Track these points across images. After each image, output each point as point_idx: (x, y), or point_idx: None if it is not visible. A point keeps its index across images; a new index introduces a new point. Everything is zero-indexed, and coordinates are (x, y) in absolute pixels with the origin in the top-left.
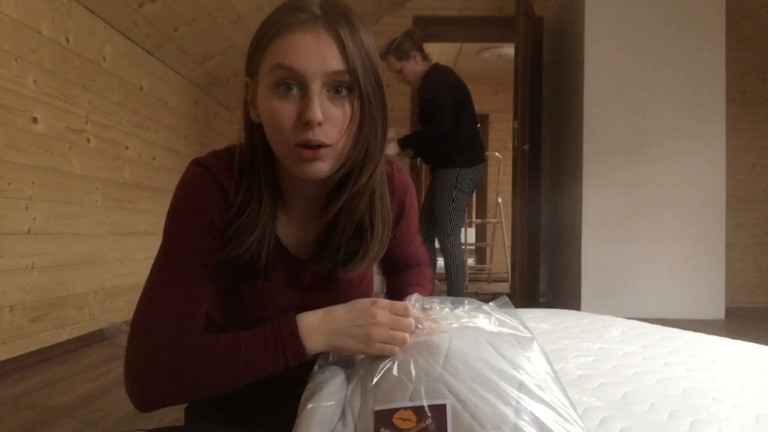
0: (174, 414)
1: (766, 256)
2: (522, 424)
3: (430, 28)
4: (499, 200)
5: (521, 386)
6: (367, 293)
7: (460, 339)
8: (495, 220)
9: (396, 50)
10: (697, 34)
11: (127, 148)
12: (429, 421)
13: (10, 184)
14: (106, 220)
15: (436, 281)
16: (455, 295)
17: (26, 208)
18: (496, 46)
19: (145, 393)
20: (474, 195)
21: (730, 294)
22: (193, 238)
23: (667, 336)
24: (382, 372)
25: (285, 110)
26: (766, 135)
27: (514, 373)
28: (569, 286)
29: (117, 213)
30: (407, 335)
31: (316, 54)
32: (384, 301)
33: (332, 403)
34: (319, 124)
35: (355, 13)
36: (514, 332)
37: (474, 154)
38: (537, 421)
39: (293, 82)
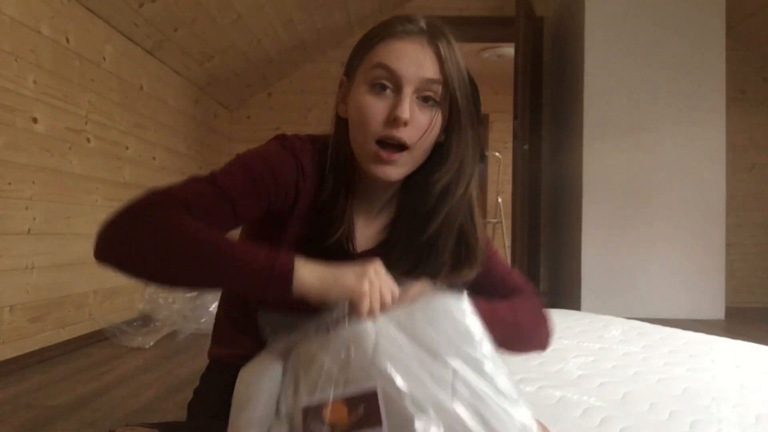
0: (175, 414)
1: (766, 256)
2: (458, 405)
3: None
4: (499, 200)
5: (456, 363)
6: None
7: (389, 321)
8: (495, 220)
9: None
10: (697, 34)
11: (127, 148)
12: (361, 410)
13: (10, 184)
14: None
15: None
16: None
17: (26, 208)
18: (496, 46)
19: (110, 238)
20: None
21: (730, 294)
22: (252, 181)
23: (667, 336)
24: (314, 363)
25: (377, 106)
26: (766, 135)
27: (449, 348)
28: (569, 286)
29: None
30: (390, 303)
31: (415, 61)
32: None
33: (265, 404)
34: (405, 123)
35: (452, 36)
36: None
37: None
38: (475, 399)
39: (389, 83)
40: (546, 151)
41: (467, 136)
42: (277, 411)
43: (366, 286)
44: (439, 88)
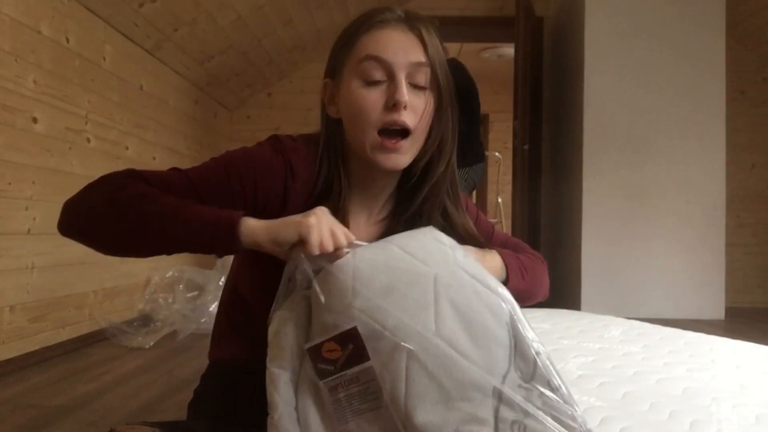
0: (175, 414)
1: (766, 256)
2: (444, 327)
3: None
4: (499, 200)
5: (436, 281)
6: None
7: (364, 252)
8: (495, 220)
9: None
10: (697, 34)
11: (127, 148)
12: (351, 346)
13: (10, 184)
14: None
15: None
16: None
17: (26, 208)
18: (496, 46)
19: (72, 210)
20: (474, 195)
21: (730, 294)
22: (226, 179)
23: (667, 336)
24: (309, 311)
25: (373, 97)
26: (766, 135)
27: (426, 269)
28: (569, 286)
29: None
30: (343, 239)
31: (402, 47)
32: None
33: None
34: (405, 107)
35: (431, 23)
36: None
37: (469, 154)
38: (462, 317)
39: (381, 73)
40: (546, 151)
41: (448, 115)
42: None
43: (312, 220)
44: (427, 71)
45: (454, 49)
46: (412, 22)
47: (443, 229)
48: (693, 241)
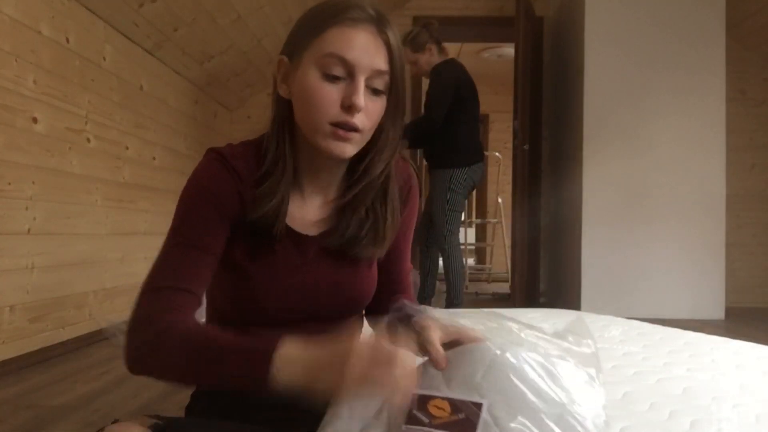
0: (174, 414)
1: (766, 256)
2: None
3: (430, 27)
4: (499, 200)
5: (559, 420)
6: (372, 283)
7: (505, 353)
8: (495, 220)
9: (412, 42)
10: (697, 34)
11: (127, 148)
12: (462, 415)
13: (10, 184)
14: (106, 220)
15: (436, 282)
16: (454, 297)
17: (26, 208)
18: (496, 46)
19: (132, 360)
20: (474, 195)
21: (730, 294)
22: (200, 216)
23: (667, 336)
24: (422, 365)
25: (330, 92)
26: (766, 135)
27: (557, 401)
28: (569, 286)
29: (117, 213)
30: (391, 375)
31: (368, 51)
32: (369, 340)
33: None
34: (359, 110)
35: (395, 27)
36: (572, 349)
37: (469, 154)
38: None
39: (342, 71)
40: (546, 151)
41: (396, 119)
42: (379, 410)
43: (350, 376)
44: (387, 78)
45: (454, 49)
46: (382, 25)
47: (365, 227)
48: (693, 241)
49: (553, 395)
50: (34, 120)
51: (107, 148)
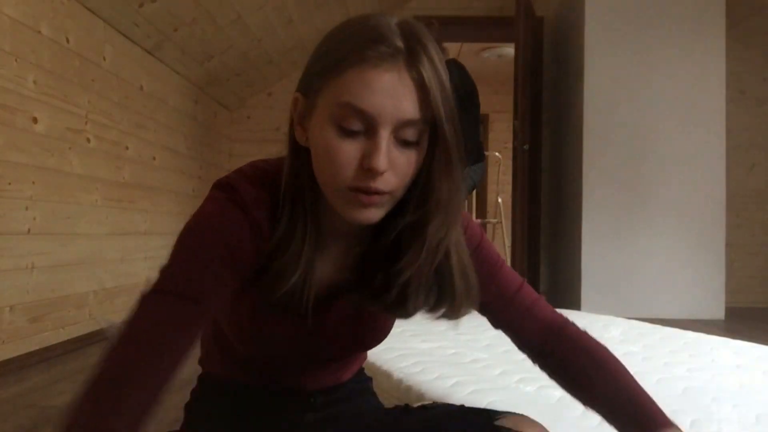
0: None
1: (766, 256)
2: None
3: (430, 28)
4: (499, 200)
5: None
6: (391, 324)
7: None
8: (495, 220)
9: None
10: (697, 34)
11: (127, 148)
12: None
13: (10, 184)
14: (106, 220)
15: None
16: None
17: (26, 208)
18: (496, 46)
19: None
20: (474, 195)
21: (730, 294)
22: (208, 269)
23: (667, 336)
24: None
25: (347, 151)
26: (766, 135)
27: None
28: (569, 286)
29: (117, 213)
30: None
31: (393, 98)
32: None
33: None
34: (381, 174)
35: (433, 41)
36: None
37: (468, 154)
38: None
39: (360, 124)
40: (546, 151)
41: (454, 170)
42: None
43: None
44: (419, 127)
45: (454, 49)
46: (413, 60)
47: (434, 298)
48: (693, 241)
49: None
50: (34, 120)
51: (107, 148)
